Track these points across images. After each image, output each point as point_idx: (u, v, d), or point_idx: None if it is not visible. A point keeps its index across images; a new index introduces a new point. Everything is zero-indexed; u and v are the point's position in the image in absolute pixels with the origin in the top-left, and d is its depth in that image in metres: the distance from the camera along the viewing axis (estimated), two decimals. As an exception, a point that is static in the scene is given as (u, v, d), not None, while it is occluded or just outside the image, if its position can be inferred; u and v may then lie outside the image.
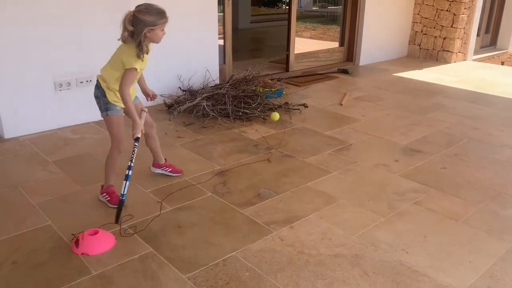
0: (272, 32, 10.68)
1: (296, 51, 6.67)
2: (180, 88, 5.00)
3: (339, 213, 2.89)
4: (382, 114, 4.90)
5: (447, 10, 7.40)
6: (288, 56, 6.60)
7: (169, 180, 3.28)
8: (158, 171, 3.32)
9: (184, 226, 2.72)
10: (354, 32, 7.20)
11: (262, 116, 4.60)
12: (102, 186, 2.96)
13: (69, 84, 4.23)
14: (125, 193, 2.65)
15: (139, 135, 2.74)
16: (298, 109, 4.89)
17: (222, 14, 5.60)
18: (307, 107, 4.99)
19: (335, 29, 8.50)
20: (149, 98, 3.09)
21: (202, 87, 5.04)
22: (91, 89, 4.31)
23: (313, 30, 10.23)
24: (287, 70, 6.63)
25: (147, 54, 2.72)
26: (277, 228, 2.70)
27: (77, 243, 2.46)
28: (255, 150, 3.85)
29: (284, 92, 5.41)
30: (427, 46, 7.81)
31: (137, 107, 2.94)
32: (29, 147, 3.86)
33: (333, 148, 3.92)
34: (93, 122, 4.44)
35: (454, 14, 7.34)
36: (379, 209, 2.93)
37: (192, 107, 4.63)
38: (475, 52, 8.13)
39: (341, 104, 5.20)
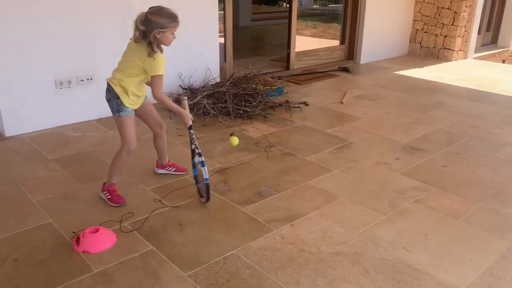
0: (273, 30, 10.67)
1: (296, 49, 6.67)
2: (181, 86, 5.00)
3: (340, 211, 2.89)
4: (383, 112, 4.89)
5: (448, 8, 7.39)
6: (288, 54, 6.60)
7: (170, 178, 3.29)
8: (162, 171, 3.33)
9: (185, 224, 2.72)
10: (354, 30, 7.19)
11: (262, 114, 4.60)
12: (104, 184, 2.97)
13: (69, 82, 4.23)
14: (207, 176, 2.76)
15: (191, 122, 2.96)
16: (299, 107, 4.89)
17: (222, 12, 5.59)
18: (307, 105, 4.98)
19: (336, 27, 8.48)
20: None
21: (202, 85, 5.03)
22: (91, 87, 4.39)
23: (314, 28, 10.22)
24: (287, 68, 6.63)
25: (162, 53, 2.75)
26: (278, 226, 2.70)
27: (78, 241, 2.47)
28: (255, 148, 3.85)
29: (284, 90, 5.42)
30: (428, 44, 7.80)
31: (146, 106, 2.99)
32: (30, 145, 3.86)
33: (333, 146, 3.92)
34: (94, 120, 4.45)
35: (455, 12, 7.33)
36: (380, 207, 2.93)
37: (193, 105, 4.63)
38: (476, 50, 8.12)
39: (342, 102, 5.19)
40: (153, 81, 2.75)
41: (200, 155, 2.83)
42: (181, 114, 2.97)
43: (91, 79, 4.34)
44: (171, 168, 3.33)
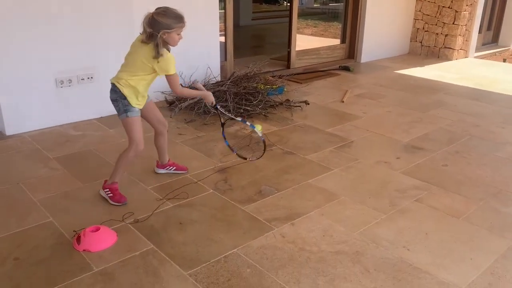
0: (273, 29, 10.67)
1: (297, 48, 6.67)
2: (181, 85, 4.98)
3: (341, 210, 2.89)
4: (384, 111, 4.89)
5: (448, 7, 7.38)
6: (289, 53, 6.59)
7: (171, 177, 3.29)
8: (162, 171, 3.32)
9: (186, 222, 2.72)
10: (355, 29, 7.19)
11: (263, 113, 4.60)
12: (105, 181, 2.96)
13: (70, 81, 4.23)
14: (261, 135, 3.15)
15: (214, 101, 3.10)
16: (300, 106, 4.89)
17: (223, 11, 5.59)
18: (308, 104, 4.98)
19: (337, 26, 8.48)
20: None
21: (203, 84, 5.03)
22: (92, 86, 4.39)
23: (315, 27, 10.21)
24: (288, 67, 6.63)
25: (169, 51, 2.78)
26: (278, 225, 2.70)
27: (78, 239, 2.47)
28: (256, 147, 3.85)
29: (285, 89, 5.41)
30: (428, 43, 7.80)
31: (149, 104, 2.99)
32: (30, 144, 3.86)
33: (334, 145, 3.91)
34: (94, 119, 4.45)
35: (456, 11, 7.32)
36: (381, 206, 2.93)
37: (193, 104, 4.63)
38: (477, 49, 8.12)
39: (343, 101, 5.19)
40: (168, 81, 2.83)
41: (244, 121, 3.23)
42: (205, 96, 3.10)
43: (91, 78, 4.34)
44: (171, 167, 3.33)
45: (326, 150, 3.81)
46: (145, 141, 2.90)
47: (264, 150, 3.26)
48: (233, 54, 5.82)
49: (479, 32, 8.07)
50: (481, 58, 7.99)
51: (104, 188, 2.95)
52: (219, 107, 3.20)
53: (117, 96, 2.79)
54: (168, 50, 2.77)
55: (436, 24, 7.61)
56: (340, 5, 7.69)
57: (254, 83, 5.01)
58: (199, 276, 2.26)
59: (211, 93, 3.11)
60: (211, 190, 3.11)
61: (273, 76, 5.62)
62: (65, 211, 2.83)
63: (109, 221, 2.70)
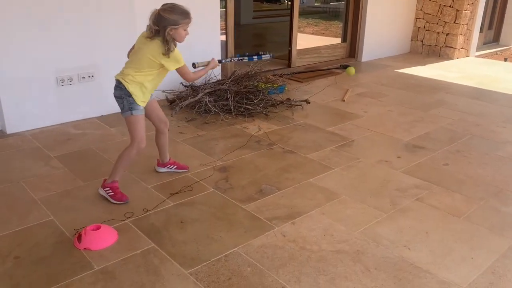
0: (274, 28, 10.65)
1: (298, 47, 6.66)
2: (182, 84, 4.99)
3: (341, 209, 2.89)
4: (385, 110, 4.89)
5: (450, 6, 7.37)
6: (290, 52, 6.59)
7: (172, 176, 3.29)
8: (163, 170, 3.32)
9: (186, 221, 2.72)
10: (356, 28, 7.18)
11: (264, 112, 4.59)
12: (105, 180, 2.95)
13: (71, 79, 4.23)
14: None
15: (217, 62, 3.20)
16: (300, 105, 4.89)
17: (224, 9, 5.58)
18: (309, 103, 4.98)
19: (338, 25, 8.47)
20: None
21: (204, 82, 5.03)
22: (93, 84, 4.39)
23: (316, 26, 10.20)
24: (289, 66, 6.62)
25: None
26: (279, 224, 2.70)
27: (79, 238, 2.47)
28: (257, 146, 3.85)
29: (286, 88, 5.41)
30: (429, 42, 7.79)
31: (151, 103, 2.98)
32: (31, 142, 3.86)
33: (335, 144, 3.91)
34: (95, 117, 4.45)
35: (457, 10, 7.31)
36: (381, 205, 2.93)
37: (194, 102, 4.63)
38: (478, 48, 8.11)
39: (343, 100, 5.19)
40: (179, 73, 2.87)
41: (259, 57, 3.48)
42: (213, 67, 3.18)
43: (92, 76, 4.34)
44: (172, 166, 3.33)
45: (327, 149, 3.81)
46: (146, 139, 2.90)
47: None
48: (234, 53, 5.82)
49: (480, 31, 8.06)
50: (482, 57, 7.98)
51: (104, 187, 2.94)
52: (223, 61, 3.27)
53: (122, 93, 2.77)
54: (175, 45, 2.77)
55: (437, 23, 7.60)
56: (341, 4, 7.68)
57: (255, 82, 5.01)
58: (200, 275, 2.26)
59: (213, 60, 3.17)
60: (212, 189, 3.11)
61: (274, 75, 5.61)
62: (66, 209, 2.83)
63: (110, 219, 2.70)
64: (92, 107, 4.43)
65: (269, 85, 5.11)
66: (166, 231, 2.62)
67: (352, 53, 7.37)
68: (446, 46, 7.60)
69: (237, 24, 6.02)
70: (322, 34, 9.43)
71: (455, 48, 7.52)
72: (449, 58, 7.58)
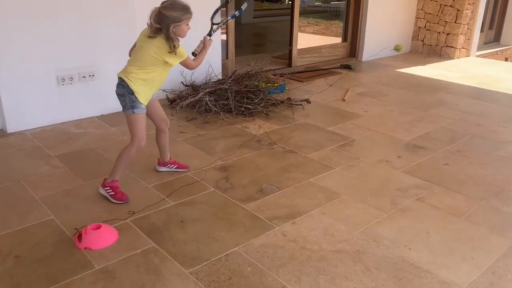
0: (275, 27, 10.65)
1: (299, 47, 6.66)
2: (183, 83, 4.99)
3: (342, 209, 2.89)
4: (385, 110, 4.89)
5: (450, 6, 7.37)
6: (291, 51, 6.59)
7: (172, 175, 3.29)
8: (164, 169, 3.32)
9: (187, 221, 2.72)
10: (357, 28, 7.17)
11: (264, 112, 4.59)
12: (105, 179, 2.95)
13: (71, 78, 4.23)
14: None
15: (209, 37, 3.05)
16: (301, 105, 4.89)
17: (225, 9, 5.57)
18: (309, 102, 4.98)
19: (338, 25, 8.47)
20: None
21: (204, 82, 5.03)
22: (93, 83, 4.39)
23: (316, 25, 10.19)
24: (289, 65, 6.62)
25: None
26: (280, 223, 2.70)
27: (80, 237, 2.47)
28: (257, 145, 3.85)
29: (286, 88, 5.41)
30: (430, 42, 7.78)
31: (153, 102, 2.97)
32: (32, 141, 3.86)
33: (335, 144, 3.91)
34: (95, 116, 4.45)
35: (458, 10, 7.31)
36: (382, 205, 2.93)
37: (195, 102, 4.63)
38: (479, 48, 8.10)
39: (344, 100, 5.19)
40: (184, 65, 2.88)
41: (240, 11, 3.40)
42: (209, 46, 3.04)
43: (93, 75, 4.34)
44: (172, 165, 3.33)
45: (328, 149, 3.81)
46: (146, 138, 2.90)
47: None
48: (235, 52, 5.82)
49: (481, 31, 8.06)
50: (483, 57, 7.98)
51: (104, 186, 2.93)
52: (213, 32, 3.12)
53: (124, 91, 2.76)
54: (178, 41, 2.77)
55: (438, 23, 7.60)
56: (342, 3, 7.68)
57: (256, 81, 5.01)
58: (200, 274, 2.26)
59: (205, 39, 3.04)
60: (212, 189, 3.11)
61: (274, 75, 5.61)
62: (66, 209, 2.83)
63: (111, 219, 2.70)
64: (93, 106, 4.43)
65: (269, 84, 5.11)
66: (167, 231, 2.62)
67: (352, 52, 7.36)
68: (447, 46, 7.60)
69: (237, 23, 6.02)
70: (323, 34, 9.42)
71: (456, 48, 7.51)
72: (450, 58, 7.58)
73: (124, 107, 2.81)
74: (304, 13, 10.64)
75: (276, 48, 7.68)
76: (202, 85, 4.92)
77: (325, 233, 2.62)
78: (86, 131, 4.12)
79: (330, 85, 5.70)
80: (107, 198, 2.92)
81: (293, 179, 3.27)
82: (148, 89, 2.81)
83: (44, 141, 3.87)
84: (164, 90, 4.77)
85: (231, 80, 4.91)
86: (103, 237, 2.48)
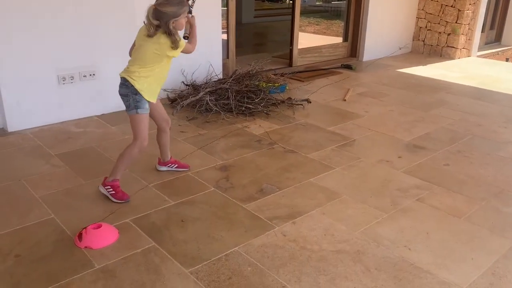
0: (275, 27, 10.65)
1: (299, 46, 6.66)
2: (183, 83, 4.99)
3: (342, 209, 2.89)
4: (386, 110, 4.88)
5: (451, 6, 7.36)
6: (291, 51, 6.58)
7: (173, 174, 3.29)
8: (164, 168, 3.32)
9: (187, 220, 2.72)
10: (358, 27, 7.17)
11: (265, 111, 4.59)
12: (106, 178, 2.94)
13: (72, 78, 4.23)
14: None
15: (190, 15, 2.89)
16: (301, 105, 4.88)
17: (225, 8, 5.58)
18: (310, 102, 4.98)
19: (339, 24, 8.47)
20: None
21: (205, 81, 5.03)
22: (94, 83, 4.39)
23: (317, 25, 10.19)
24: (290, 65, 6.62)
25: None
26: (280, 223, 2.71)
27: (80, 236, 2.47)
28: (258, 145, 3.85)
29: (287, 87, 5.41)
30: (431, 42, 7.78)
31: (155, 103, 2.94)
32: (32, 140, 3.86)
33: (336, 144, 3.91)
34: (96, 116, 4.45)
35: (459, 10, 7.30)
36: (382, 206, 2.93)
37: (195, 101, 4.63)
38: (480, 48, 8.09)
39: (345, 100, 5.19)
40: (184, 53, 2.85)
41: None
42: (194, 24, 2.96)
43: (93, 75, 4.34)
44: (173, 164, 3.33)
45: (328, 149, 3.81)
46: (153, 136, 2.89)
47: None
48: (235, 51, 5.81)
49: (482, 31, 8.04)
50: (484, 57, 7.97)
51: (104, 185, 2.93)
52: (191, 8, 2.96)
53: (128, 91, 2.76)
54: (178, 34, 2.76)
55: (439, 23, 7.59)
56: (343, 3, 7.68)
57: (256, 81, 5.01)
58: (200, 274, 2.26)
59: (190, 18, 2.90)
60: (213, 188, 3.11)
61: (275, 74, 5.60)
62: (66, 208, 2.84)
63: (111, 218, 2.70)
64: (93, 106, 4.43)
65: (270, 84, 5.11)
66: (167, 230, 2.62)
67: (353, 52, 7.36)
68: (448, 46, 7.59)
69: (238, 23, 6.02)
70: (324, 34, 9.42)
71: (457, 48, 7.51)
72: (451, 58, 7.57)
73: (127, 107, 2.80)
74: (305, 12, 10.64)
75: (276, 48, 7.68)
76: (202, 84, 4.92)
77: (325, 233, 2.62)
78: (87, 130, 4.13)
79: (325, 86, 5.70)
80: (107, 197, 2.92)
81: (293, 179, 3.27)
82: (154, 85, 2.81)
83: (44, 140, 3.87)
84: (165, 90, 4.77)
85: (232, 80, 4.91)
86: (104, 236, 2.48)
